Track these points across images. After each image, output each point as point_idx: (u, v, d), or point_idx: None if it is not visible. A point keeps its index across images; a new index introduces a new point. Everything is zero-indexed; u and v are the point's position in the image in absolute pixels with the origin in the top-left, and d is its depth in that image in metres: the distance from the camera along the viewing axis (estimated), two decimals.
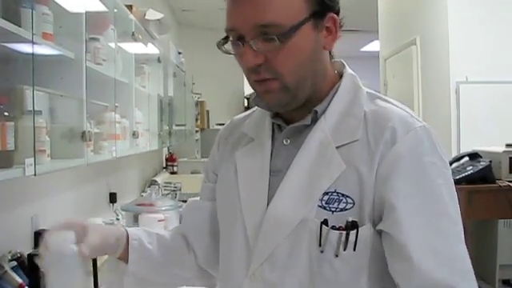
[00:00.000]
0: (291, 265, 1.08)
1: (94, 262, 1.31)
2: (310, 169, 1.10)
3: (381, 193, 1.04)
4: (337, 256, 1.05)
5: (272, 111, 1.19)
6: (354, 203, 1.05)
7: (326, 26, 1.11)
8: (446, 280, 1.00)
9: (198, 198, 1.40)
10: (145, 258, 1.27)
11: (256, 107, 1.28)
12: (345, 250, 1.05)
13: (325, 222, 1.05)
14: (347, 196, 1.06)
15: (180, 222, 1.46)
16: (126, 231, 1.27)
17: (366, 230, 1.05)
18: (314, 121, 1.14)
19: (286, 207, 1.10)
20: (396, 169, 1.04)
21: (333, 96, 1.16)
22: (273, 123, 1.22)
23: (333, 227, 1.05)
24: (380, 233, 1.06)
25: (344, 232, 1.05)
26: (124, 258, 1.26)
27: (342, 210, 1.05)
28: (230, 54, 1.13)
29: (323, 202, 1.07)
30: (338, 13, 1.13)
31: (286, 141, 1.17)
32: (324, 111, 1.15)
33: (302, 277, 1.07)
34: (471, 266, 1.05)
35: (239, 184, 1.20)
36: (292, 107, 1.14)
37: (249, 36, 1.06)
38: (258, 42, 1.06)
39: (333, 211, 1.06)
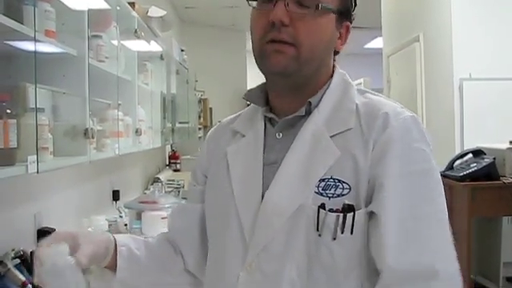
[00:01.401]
0: (289, 252, 1.09)
1: None
2: (305, 158, 1.12)
3: (374, 175, 1.07)
4: (334, 239, 1.06)
5: (270, 76, 1.17)
6: (350, 188, 1.07)
7: (340, 31, 1.19)
8: (419, 259, 1.02)
9: (184, 203, 1.40)
10: (133, 264, 1.26)
11: (241, 111, 1.32)
12: (342, 232, 1.06)
13: (322, 206, 1.07)
14: (343, 182, 1.08)
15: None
16: (114, 238, 1.25)
17: (361, 214, 1.07)
18: (308, 113, 1.17)
19: (282, 195, 1.11)
20: (387, 151, 1.07)
21: (325, 90, 1.19)
22: (264, 120, 1.23)
23: (330, 210, 1.07)
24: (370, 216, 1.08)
25: (341, 214, 1.06)
26: (110, 266, 1.24)
27: (338, 195, 1.07)
28: (254, 6, 1.15)
29: (320, 189, 1.08)
30: (350, 23, 1.21)
31: (279, 134, 1.19)
32: (317, 104, 1.17)
33: (300, 263, 1.08)
34: (452, 251, 1.06)
35: (232, 178, 1.20)
36: (288, 82, 1.15)
37: None
38: (293, 4, 1.10)
39: (329, 197, 1.08)
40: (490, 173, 4.11)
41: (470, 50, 4.91)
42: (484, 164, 4.15)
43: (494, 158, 4.13)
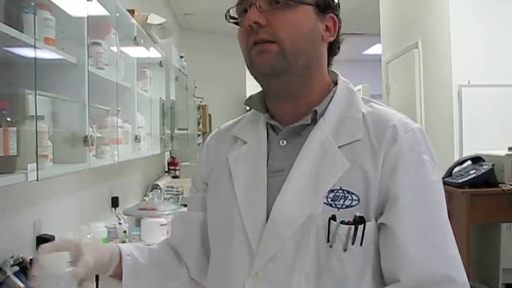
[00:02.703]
0: (298, 262, 1.09)
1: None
2: (314, 168, 1.12)
3: (386, 187, 1.08)
4: (345, 250, 1.08)
5: (262, 79, 1.18)
6: (359, 200, 1.09)
7: (326, 24, 1.18)
8: (438, 269, 1.05)
9: (185, 210, 1.40)
10: (138, 273, 1.26)
11: (242, 116, 1.33)
12: (353, 244, 1.07)
13: (333, 218, 1.08)
14: (352, 193, 1.09)
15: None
16: (119, 247, 1.26)
17: (371, 226, 1.08)
18: (314, 121, 1.17)
19: (291, 205, 1.11)
20: (399, 164, 1.09)
21: (330, 99, 1.20)
22: (266, 126, 1.23)
23: (342, 222, 1.08)
24: (379, 228, 1.10)
25: (353, 226, 1.07)
26: (116, 275, 1.25)
27: (347, 206, 1.08)
28: (234, 23, 1.18)
29: (329, 200, 1.09)
30: (338, 17, 1.20)
31: (283, 142, 1.19)
32: (323, 113, 1.18)
33: (309, 273, 1.08)
34: (460, 260, 1.10)
35: (235, 186, 1.19)
36: (280, 81, 1.15)
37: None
38: (265, 4, 1.12)
39: (339, 208, 1.09)
40: (488, 179, 4.11)
41: (469, 57, 4.92)
42: (483, 171, 4.15)
43: (493, 165, 4.13)
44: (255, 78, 1.18)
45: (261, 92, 1.26)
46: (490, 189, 4.07)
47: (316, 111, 1.16)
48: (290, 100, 1.19)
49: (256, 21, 1.10)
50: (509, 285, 4.34)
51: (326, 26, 1.18)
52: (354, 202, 1.08)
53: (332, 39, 1.20)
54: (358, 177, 1.09)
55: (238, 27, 1.18)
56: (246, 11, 1.14)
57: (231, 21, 1.18)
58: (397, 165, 1.09)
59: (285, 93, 1.18)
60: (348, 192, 1.09)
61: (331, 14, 1.18)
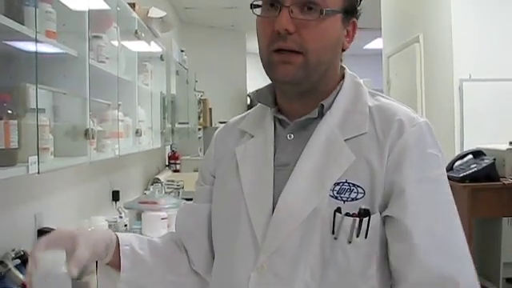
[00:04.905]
0: (303, 255, 1.09)
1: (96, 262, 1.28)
2: (320, 161, 1.13)
3: (391, 180, 1.09)
4: (350, 242, 1.08)
5: (279, 85, 1.19)
6: (364, 193, 1.09)
7: (347, 29, 1.18)
8: (444, 266, 1.04)
9: (191, 203, 1.39)
10: (137, 264, 1.25)
11: (249, 111, 1.33)
12: (358, 236, 1.08)
13: (338, 210, 1.08)
14: (358, 186, 1.09)
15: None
16: (117, 236, 1.25)
17: (376, 219, 1.08)
18: (320, 115, 1.17)
19: (297, 198, 1.12)
20: (405, 157, 1.09)
21: (337, 93, 1.20)
22: (274, 120, 1.23)
23: (346, 214, 1.08)
24: (384, 221, 1.10)
25: (358, 218, 1.08)
26: (113, 264, 1.23)
27: (353, 199, 1.09)
28: (258, 15, 1.15)
29: (335, 192, 1.10)
30: (357, 19, 1.21)
31: (290, 136, 1.19)
32: (329, 107, 1.18)
33: (314, 266, 1.09)
34: (469, 256, 1.09)
35: (242, 179, 1.20)
36: (298, 89, 1.16)
37: (290, 2, 1.09)
38: (298, 11, 1.10)
39: (344, 201, 1.09)
40: (489, 174, 4.11)
41: (470, 51, 4.91)
42: (484, 165, 4.15)
43: (494, 159, 4.13)
44: (270, 79, 1.18)
45: (268, 86, 1.25)
46: (491, 183, 4.07)
47: (323, 105, 1.17)
48: (301, 100, 1.19)
49: (286, 28, 1.08)
50: (509, 279, 4.35)
51: (347, 31, 1.19)
52: (360, 195, 1.09)
53: (349, 45, 1.21)
54: (364, 170, 1.10)
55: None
56: (272, 5, 1.11)
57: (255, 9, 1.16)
58: (402, 158, 1.09)
59: (298, 95, 1.18)
60: (353, 185, 1.09)
61: (353, 20, 1.19)
